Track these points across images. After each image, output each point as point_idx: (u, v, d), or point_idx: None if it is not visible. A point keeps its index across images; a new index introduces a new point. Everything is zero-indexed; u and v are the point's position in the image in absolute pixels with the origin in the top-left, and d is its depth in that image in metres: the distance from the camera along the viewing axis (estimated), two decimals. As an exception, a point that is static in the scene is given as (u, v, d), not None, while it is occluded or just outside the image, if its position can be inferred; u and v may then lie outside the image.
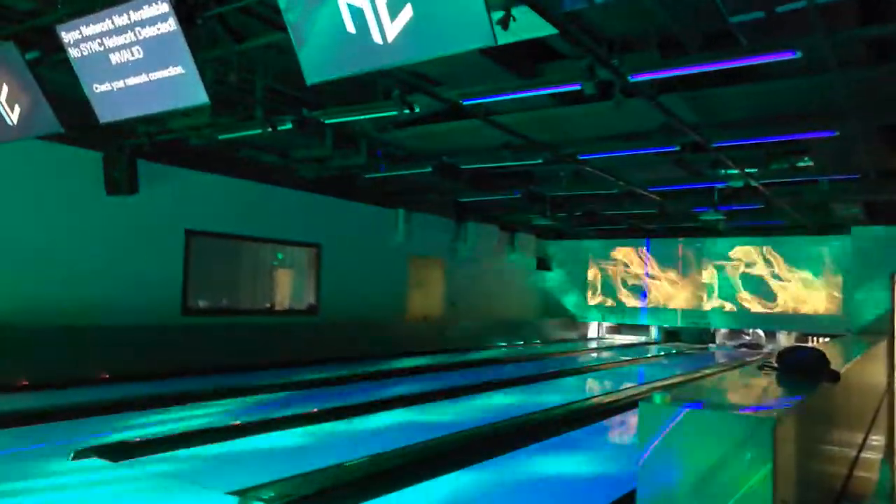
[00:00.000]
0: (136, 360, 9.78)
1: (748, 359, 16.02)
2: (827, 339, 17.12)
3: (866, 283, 15.86)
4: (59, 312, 9.33)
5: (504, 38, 6.73)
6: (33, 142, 8.00)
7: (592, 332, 21.93)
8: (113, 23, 5.03)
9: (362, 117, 8.09)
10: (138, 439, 5.97)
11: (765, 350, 18.37)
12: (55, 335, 9.07)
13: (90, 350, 9.36)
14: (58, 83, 6.07)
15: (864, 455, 6.47)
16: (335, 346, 13.04)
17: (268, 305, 13.37)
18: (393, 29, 3.94)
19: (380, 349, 13.82)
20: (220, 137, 9.10)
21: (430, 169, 11.42)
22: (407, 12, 3.85)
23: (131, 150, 9.63)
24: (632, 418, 7.52)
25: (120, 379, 9.16)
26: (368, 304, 14.67)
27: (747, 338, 19.69)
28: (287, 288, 14.03)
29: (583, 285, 21.34)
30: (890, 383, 13.95)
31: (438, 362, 13.16)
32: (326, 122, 8.32)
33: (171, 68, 4.97)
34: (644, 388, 11.11)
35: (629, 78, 6.78)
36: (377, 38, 4.03)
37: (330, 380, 10.27)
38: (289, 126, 8.18)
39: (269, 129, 8.10)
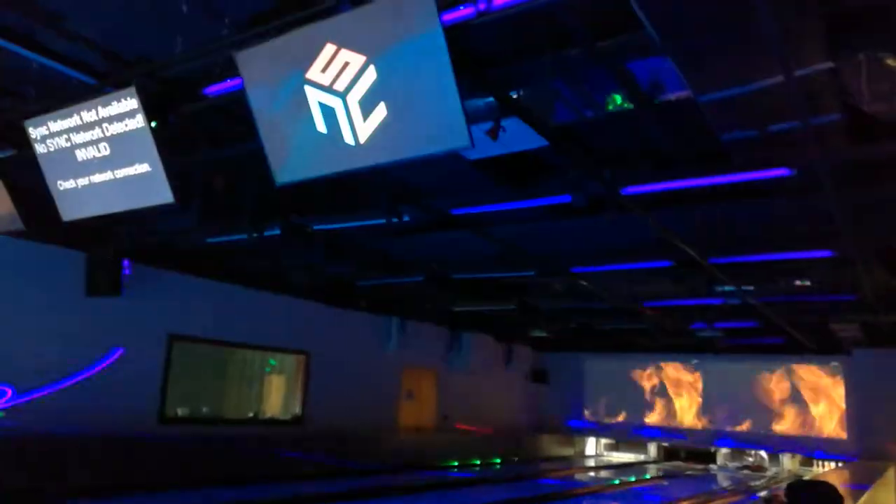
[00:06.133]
0: (105, 471, 9.21)
1: (751, 482, 15.27)
2: (832, 465, 16.44)
3: (870, 406, 15.39)
4: (24, 421, 8.84)
5: (495, 149, 6.73)
6: (11, 240, 7.82)
7: (590, 448, 21.10)
8: (81, 118, 4.92)
9: (350, 224, 7.96)
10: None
11: (768, 473, 17.56)
12: (18, 445, 8.52)
13: (58, 462, 8.80)
14: (35, 181, 5.94)
15: None
16: (317, 459, 12.38)
17: (251, 415, 12.83)
18: (366, 129, 3.75)
19: (365, 464, 13.12)
20: (208, 241, 8.94)
21: (422, 278, 11.24)
22: (380, 112, 3.67)
23: (116, 251, 9.45)
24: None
25: (88, 493, 8.58)
26: (357, 415, 14.08)
27: (750, 459, 18.89)
28: (276, 397, 13.51)
29: (580, 400, 20.68)
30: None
31: (423, 482, 12.41)
32: (314, 228, 8.18)
33: (137, 166, 4.83)
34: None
35: (621, 192, 6.67)
36: (349, 139, 3.84)
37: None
38: (276, 232, 8.04)
39: (255, 235, 7.94)
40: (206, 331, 11.53)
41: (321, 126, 3.92)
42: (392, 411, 15.40)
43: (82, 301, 9.61)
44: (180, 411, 11.30)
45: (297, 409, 13.25)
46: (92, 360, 9.80)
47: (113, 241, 9.43)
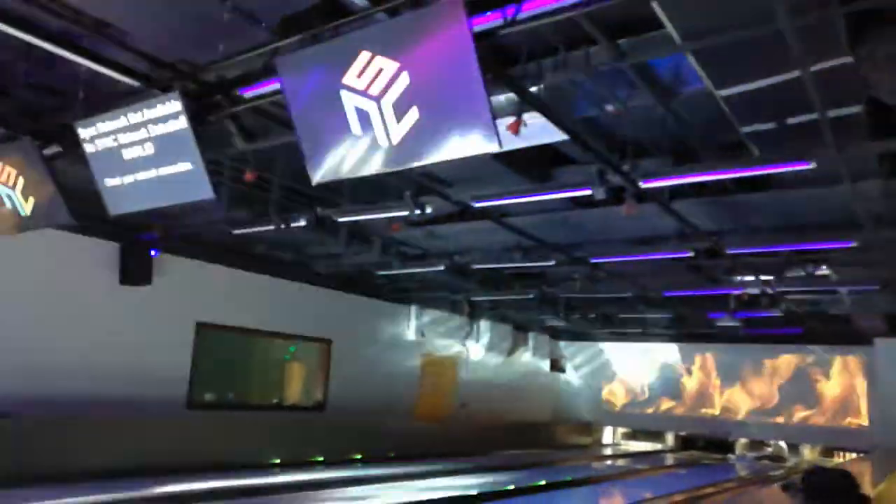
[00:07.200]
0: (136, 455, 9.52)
1: (770, 472, 15.33)
2: (853, 455, 16.43)
3: (892, 396, 15.35)
4: (57, 403, 9.15)
5: (516, 142, 6.86)
6: (53, 231, 8.10)
7: (607, 437, 21.22)
8: (128, 120, 5.22)
9: (375, 216, 8.14)
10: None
11: (787, 464, 17.59)
12: (52, 429, 8.80)
13: (87, 444, 9.10)
14: (79, 177, 6.17)
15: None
16: (338, 445, 12.65)
17: (275, 401, 13.11)
18: (399, 132, 3.95)
19: (385, 450, 13.36)
20: (235, 233, 9.17)
21: (442, 268, 11.41)
22: (413, 115, 3.87)
23: (147, 241, 9.72)
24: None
25: (119, 475, 8.90)
26: (377, 402, 14.32)
27: (769, 449, 18.89)
28: (298, 384, 13.78)
29: (597, 388, 20.79)
30: (921, 504, 13.26)
31: (437, 469, 12.57)
32: (340, 220, 8.37)
33: (179, 164, 5.11)
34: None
35: (641, 184, 6.78)
36: (383, 141, 4.05)
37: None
38: (302, 224, 8.24)
39: (283, 226, 8.16)
40: (233, 319, 11.80)
41: (356, 129, 4.14)
42: (411, 398, 15.62)
43: (117, 290, 9.92)
44: (207, 397, 11.60)
45: (320, 396, 13.52)
46: (125, 346, 10.09)
47: (145, 232, 9.70)
